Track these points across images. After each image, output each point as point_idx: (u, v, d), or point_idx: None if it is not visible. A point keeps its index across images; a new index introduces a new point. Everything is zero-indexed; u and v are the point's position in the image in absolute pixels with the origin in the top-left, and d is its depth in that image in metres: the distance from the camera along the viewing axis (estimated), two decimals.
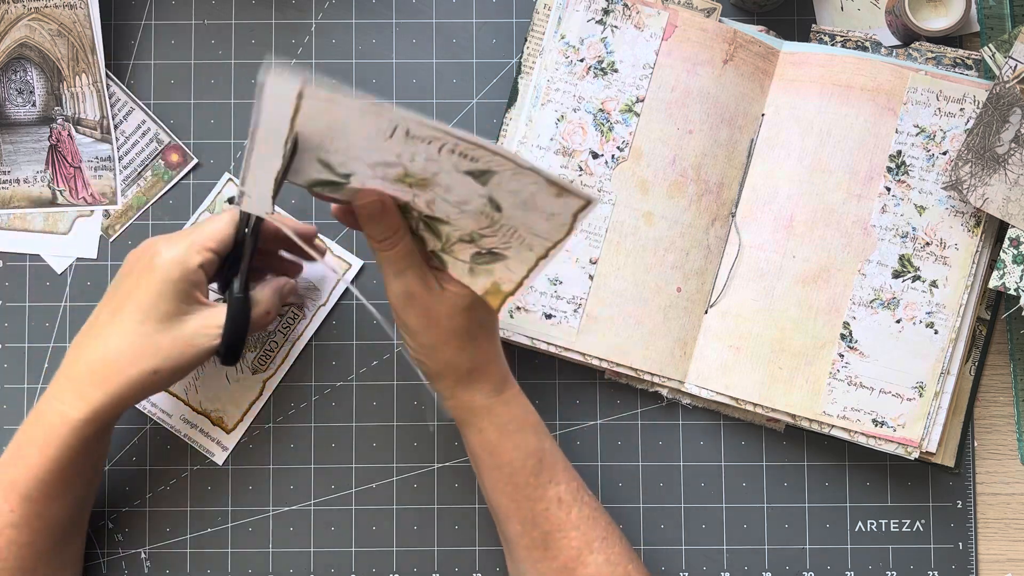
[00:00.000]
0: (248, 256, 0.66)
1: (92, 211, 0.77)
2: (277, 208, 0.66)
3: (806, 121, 0.74)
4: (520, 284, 0.62)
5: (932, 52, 0.75)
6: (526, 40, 0.76)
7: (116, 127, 0.77)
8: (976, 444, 0.77)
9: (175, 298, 0.63)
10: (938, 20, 0.75)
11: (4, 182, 0.76)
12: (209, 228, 0.65)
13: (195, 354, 0.64)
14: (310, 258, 0.71)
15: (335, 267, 0.68)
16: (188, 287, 0.63)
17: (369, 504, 0.76)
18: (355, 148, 0.60)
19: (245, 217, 0.66)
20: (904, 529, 0.76)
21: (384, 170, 0.60)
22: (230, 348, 0.64)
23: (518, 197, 0.58)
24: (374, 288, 0.77)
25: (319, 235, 0.75)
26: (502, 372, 0.67)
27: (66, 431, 0.63)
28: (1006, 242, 0.72)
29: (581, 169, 0.74)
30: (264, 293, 0.67)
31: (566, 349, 0.74)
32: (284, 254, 0.73)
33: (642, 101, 0.74)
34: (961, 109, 0.74)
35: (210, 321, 0.64)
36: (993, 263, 0.74)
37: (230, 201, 0.67)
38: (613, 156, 0.74)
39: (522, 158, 0.56)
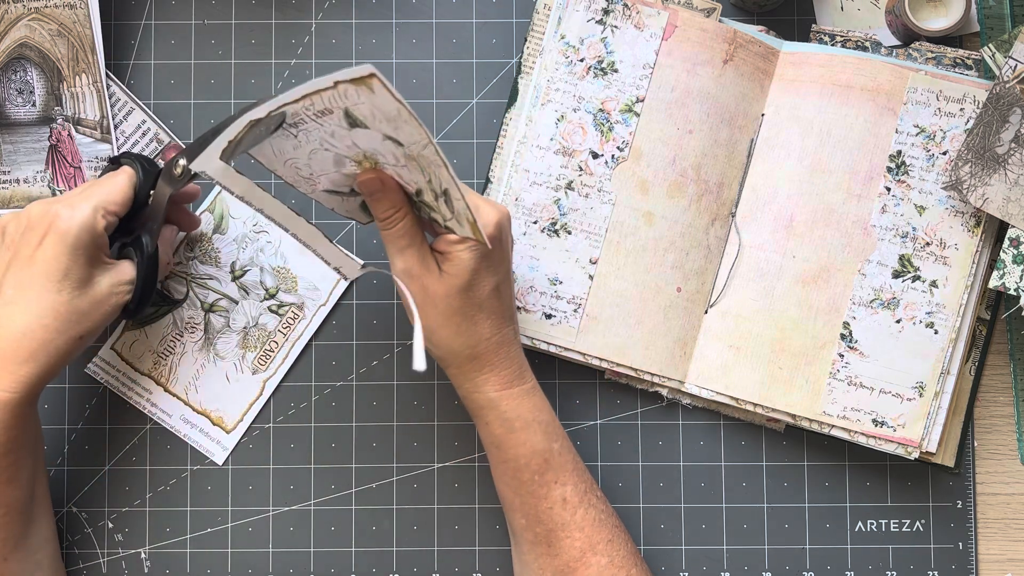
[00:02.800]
0: (162, 219, 0.67)
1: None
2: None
3: (806, 121, 0.74)
4: (464, 199, 0.59)
5: (932, 52, 0.75)
6: (526, 40, 0.76)
7: (116, 127, 0.77)
8: (976, 444, 0.77)
9: (87, 263, 0.63)
10: (938, 20, 0.75)
11: (4, 182, 0.76)
12: (110, 190, 0.65)
13: (110, 312, 0.65)
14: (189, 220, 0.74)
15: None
16: (96, 251, 0.64)
17: (369, 504, 0.76)
18: (300, 163, 0.62)
19: (149, 181, 0.67)
20: (904, 529, 0.76)
21: (339, 167, 0.63)
22: (144, 303, 0.67)
23: (382, 119, 0.57)
24: (372, 287, 0.77)
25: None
26: (513, 365, 0.66)
27: (4, 413, 0.62)
28: (1006, 242, 0.72)
29: (581, 169, 0.74)
30: (164, 249, 0.69)
31: (566, 349, 0.74)
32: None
33: (642, 101, 0.74)
34: (961, 109, 0.74)
35: (119, 279, 0.65)
36: (993, 263, 0.74)
37: (113, 161, 0.68)
38: (613, 156, 0.74)
39: (312, 84, 0.55)
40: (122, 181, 0.65)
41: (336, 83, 0.54)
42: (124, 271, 0.65)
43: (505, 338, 0.66)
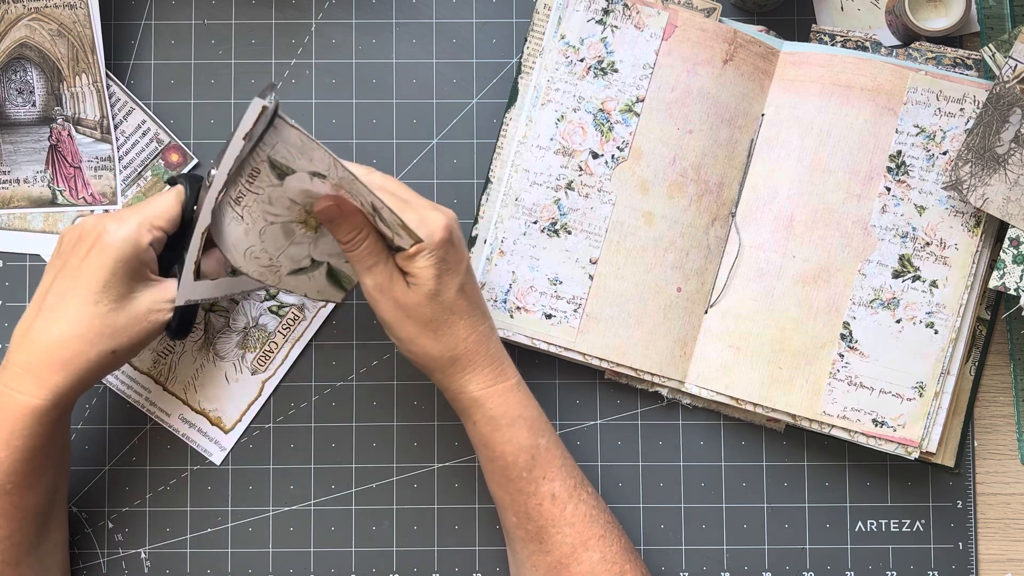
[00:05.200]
0: (201, 236, 0.66)
1: (92, 211, 0.77)
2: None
3: (806, 121, 0.74)
4: (387, 206, 0.61)
5: (932, 52, 0.75)
6: (526, 40, 0.76)
7: (116, 127, 0.77)
8: (976, 444, 0.77)
9: (128, 277, 0.63)
10: (938, 20, 0.75)
11: (4, 182, 0.76)
12: (157, 207, 0.65)
13: (150, 330, 0.65)
14: None
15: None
16: (139, 265, 0.64)
17: (369, 504, 0.76)
18: (257, 249, 0.66)
19: (192, 197, 0.66)
20: (904, 529, 0.76)
21: (290, 236, 0.66)
22: (183, 323, 0.66)
23: (297, 154, 0.59)
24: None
25: None
26: (495, 362, 0.67)
27: (31, 420, 0.63)
28: (1006, 242, 0.72)
29: (581, 169, 0.74)
30: (210, 266, 0.68)
31: (566, 349, 0.74)
32: None
33: (642, 101, 0.74)
34: (961, 109, 0.74)
35: (161, 296, 0.65)
36: (993, 263, 0.74)
37: (170, 182, 0.68)
38: (613, 156, 0.74)
39: (229, 152, 0.59)
40: (170, 198, 0.66)
41: (245, 135, 0.57)
42: (166, 289, 0.65)
43: (482, 336, 0.66)
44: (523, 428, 0.66)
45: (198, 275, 0.65)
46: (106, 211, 0.76)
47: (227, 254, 0.66)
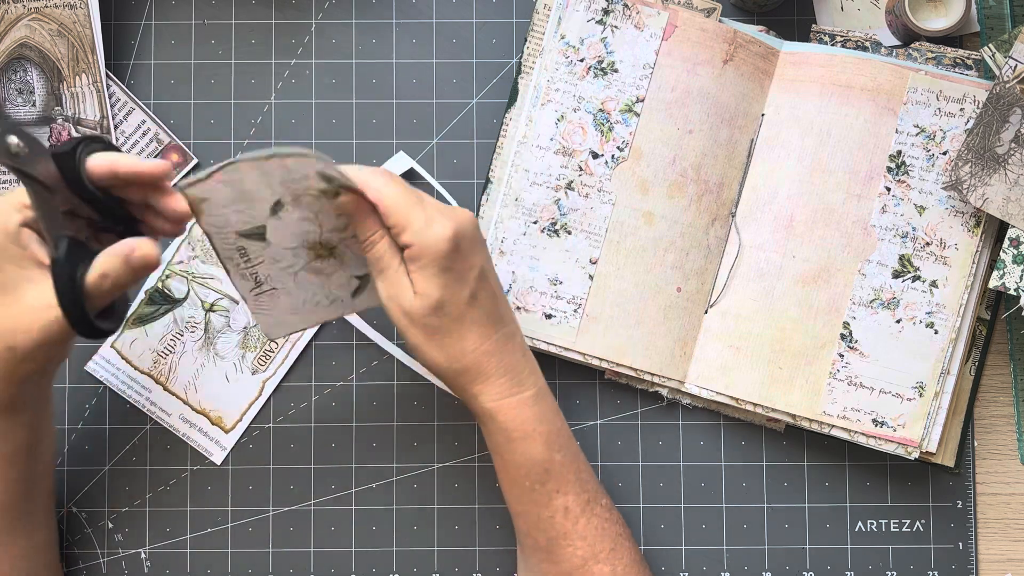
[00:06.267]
0: (47, 213, 0.57)
1: None
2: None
3: (806, 121, 0.74)
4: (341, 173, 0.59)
5: (932, 52, 0.75)
6: (526, 40, 0.76)
7: (116, 127, 0.77)
8: (976, 444, 0.77)
9: (6, 264, 0.57)
10: (938, 20, 0.75)
11: (4, 182, 0.76)
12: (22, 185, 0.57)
13: (48, 326, 0.57)
14: (172, 217, 0.60)
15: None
16: (17, 250, 0.57)
17: (369, 504, 0.76)
18: (307, 297, 0.66)
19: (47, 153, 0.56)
20: (904, 529, 0.76)
21: (319, 273, 0.65)
22: (72, 317, 0.56)
23: (244, 211, 0.60)
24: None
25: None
26: (510, 372, 0.64)
27: None
28: (1006, 242, 0.72)
29: (581, 169, 0.74)
30: (101, 258, 0.57)
31: (566, 349, 0.74)
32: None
33: (642, 101, 0.74)
34: (961, 109, 0.74)
35: (49, 288, 0.57)
36: (993, 263, 0.74)
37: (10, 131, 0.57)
38: (613, 156, 0.74)
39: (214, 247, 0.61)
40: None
41: (206, 232, 0.60)
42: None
43: (495, 345, 0.63)
44: (537, 442, 0.64)
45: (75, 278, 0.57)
46: None
47: (296, 327, 0.68)
